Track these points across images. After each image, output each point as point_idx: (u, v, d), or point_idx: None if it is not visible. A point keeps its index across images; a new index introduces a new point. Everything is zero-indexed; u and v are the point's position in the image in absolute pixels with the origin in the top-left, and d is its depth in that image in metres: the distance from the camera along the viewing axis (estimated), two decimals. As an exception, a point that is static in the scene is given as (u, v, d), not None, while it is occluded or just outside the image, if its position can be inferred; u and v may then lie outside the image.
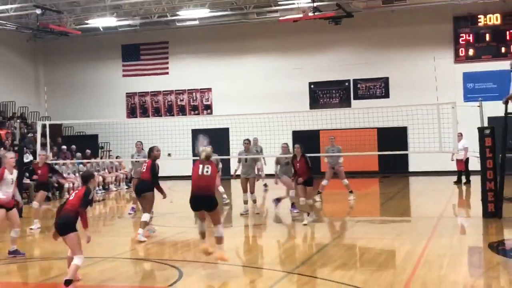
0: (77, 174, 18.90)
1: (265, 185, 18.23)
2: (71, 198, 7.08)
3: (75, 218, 6.94)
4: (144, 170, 10.29)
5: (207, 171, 7.62)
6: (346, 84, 23.72)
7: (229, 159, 23.34)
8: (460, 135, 16.52)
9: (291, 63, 24.09)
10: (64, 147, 21.17)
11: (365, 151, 19.44)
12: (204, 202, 7.57)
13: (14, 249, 8.88)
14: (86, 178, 7.24)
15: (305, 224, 11.02)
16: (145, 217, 10.01)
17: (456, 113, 12.55)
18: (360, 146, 19.94)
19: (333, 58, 23.67)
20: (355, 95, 23.58)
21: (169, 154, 19.69)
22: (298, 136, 21.87)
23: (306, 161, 11.28)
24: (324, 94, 23.92)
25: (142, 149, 14.13)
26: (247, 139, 13.53)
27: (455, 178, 18.53)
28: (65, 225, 6.91)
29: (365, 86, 23.55)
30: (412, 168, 22.93)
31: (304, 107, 23.35)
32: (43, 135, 16.25)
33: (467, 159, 18.02)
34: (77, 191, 7.16)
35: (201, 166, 7.69)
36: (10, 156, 8.78)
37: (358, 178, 20.27)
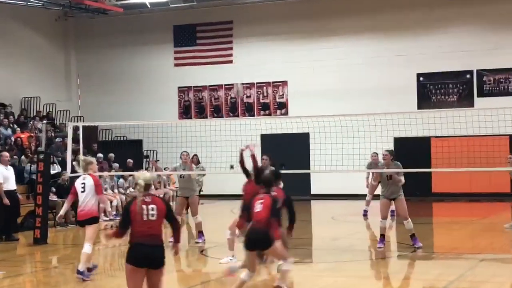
0: (115, 191, 19.44)
1: None
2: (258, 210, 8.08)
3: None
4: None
5: (152, 214, 6.94)
6: (468, 76, 23.25)
7: (309, 174, 23.39)
8: None
9: (393, 48, 23.84)
10: (100, 155, 21.80)
11: (493, 166, 18.92)
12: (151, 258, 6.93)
13: None
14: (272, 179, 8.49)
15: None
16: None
17: None
18: (487, 160, 19.42)
19: (449, 41, 23.26)
20: (479, 91, 23.07)
21: (231, 167, 19.94)
22: (403, 145, 21.60)
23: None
24: (437, 89, 23.56)
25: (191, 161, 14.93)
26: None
27: None
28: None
29: (493, 80, 23.03)
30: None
31: (411, 106, 23.04)
32: (75, 139, 16.82)
33: None
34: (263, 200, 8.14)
35: (144, 207, 6.94)
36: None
37: (483, 202, 19.76)
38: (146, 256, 6.82)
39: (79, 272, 10.01)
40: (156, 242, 6.90)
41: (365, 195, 18.12)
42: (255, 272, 8.38)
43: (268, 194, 8.36)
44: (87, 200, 10.07)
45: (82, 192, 10.11)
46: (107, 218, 18.47)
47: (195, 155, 17.86)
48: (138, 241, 6.86)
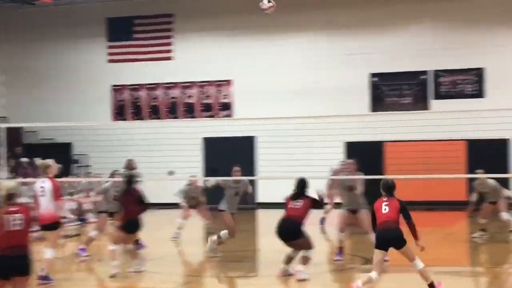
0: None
1: None
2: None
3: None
4: None
5: (16, 224, 7.41)
6: (423, 77, 23.69)
7: (255, 181, 23.55)
8: None
9: (345, 47, 24.16)
10: (24, 159, 21.53)
11: (449, 173, 19.40)
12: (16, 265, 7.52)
13: None
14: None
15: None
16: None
17: None
18: (442, 166, 19.90)
19: (404, 39, 23.69)
20: (436, 92, 23.53)
21: (170, 173, 19.93)
22: (354, 150, 21.94)
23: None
24: (391, 90, 23.91)
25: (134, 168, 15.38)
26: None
27: None
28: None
29: (450, 81, 23.49)
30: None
31: (363, 108, 23.37)
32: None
33: None
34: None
35: (8, 217, 7.40)
36: None
37: (439, 211, 20.17)
38: (10, 268, 7.33)
39: (42, 278, 10.42)
40: (20, 252, 7.38)
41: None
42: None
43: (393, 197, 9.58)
44: (47, 204, 10.40)
45: (42, 196, 10.46)
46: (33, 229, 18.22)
47: (130, 159, 17.79)
48: (2, 253, 7.30)
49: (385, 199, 9.57)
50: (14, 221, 7.34)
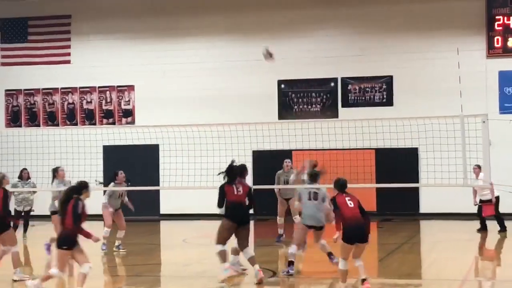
0: None
1: None
2: None
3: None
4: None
5: None
6: (332, 84, 24.04)
7: (158, 191, 23.34)
8: (477, 168, 17.33)
9: (252, 52, 24.16)
10: None
11: (357, 183, 19.66)
12: None
13: None
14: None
15: None
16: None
17: (488, 130, 12.87)
18: (351, 175, 20.16)
19: (313, 46, 23.97)
20: (344, 100, 23.90)
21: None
22: (262, 158, 22.01)
23: None
24: (300, 98, 24.16)
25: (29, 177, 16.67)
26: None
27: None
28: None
29: (358, 88, 23.90)
30: (424, 208, 23.32)
31: (271, 116, 23.50)
32: None
33: (497, 198, 18.59)
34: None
35: None
36: None
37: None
38: None
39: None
40: None
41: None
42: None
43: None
44: None
45: None
46: None
47: (25, 169, 17.36)
48: None
49: (344, 194, 10.67)
50: None
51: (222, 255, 11.81)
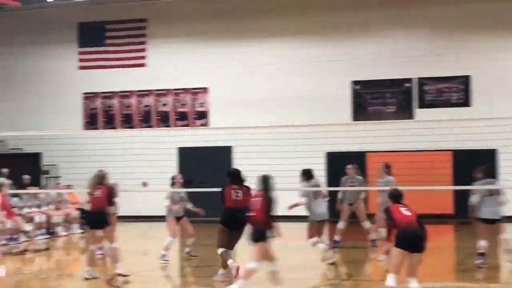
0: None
1: None
2: None
3: None
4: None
5: None
6: (407, 85, 23.76)
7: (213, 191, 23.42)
8: None
9: (326, 53, 24.17)
10: (-8, 170, 21.33)
11: (434, 185, 19.41)
12: None
13: None
14: None
15: None
16: None
17: None
18: (427, 177, 19.92)
19: (388, 46, 23.75)
20: (420, 101, 23.59)
21: (144, 184, 19.80)
22: (335, 160, 21.89)
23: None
24: (374, 99, 23.95)
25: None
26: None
27: None
28: None
29: (435, 89, 23.58)
30: (508, 211, 22.74)
31: (344, 117, 23.34)
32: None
33: None
34: None
35: None
36: None
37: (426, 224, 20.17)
38: None
39: None
40: None
41: (295, 217, 18.13)
42: None
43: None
44: None
45: None
46: (-1, 243, 18.08)
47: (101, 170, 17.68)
48: None
49: (399, 205, 10.00)
50: None
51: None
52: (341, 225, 16.55)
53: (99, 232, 12.58)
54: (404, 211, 9.82)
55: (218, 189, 13.05)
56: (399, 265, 9.52)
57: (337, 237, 16.48)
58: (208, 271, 13.21)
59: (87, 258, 12.61)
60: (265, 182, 11.08)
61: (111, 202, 12.77)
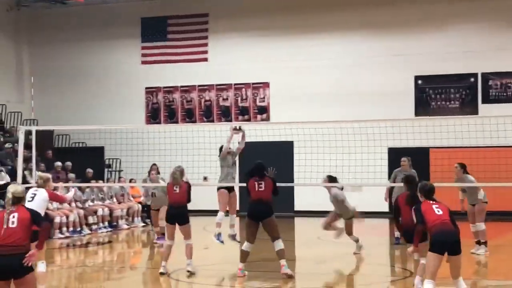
0: (73, 204, 19.35)
1: None
2: None
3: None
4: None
5: (12, 221, 7.89)
6: (472, 79, 23.42)
7: (292, 187, 23.43)
8: None
9: (388, 48, 23.96)
10: (58, 163, 21.70)
11: (499, 181, 19.02)
12: None
13: None
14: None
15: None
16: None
17: None
18: (491, 174, 19.55)
19: (451, 40, 23.43)
20: (484, 96, 23.24)
21: (205, 178, 19.89)
22: (398, 156, 21.65)
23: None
24: (437, 94, 23.69)
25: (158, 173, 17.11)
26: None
27: None
28: None
29: (500, 84, 23.21)
30: None
31: (407, 113, 23.17)
32: (27, 146, 16.71)
33: None
34: None
35: (6, 216, 7.97)
36: None
37: (489, 221, 19.86)
38: (2, 267, 7.52)
39: None
40: (13, 250, 7.56)
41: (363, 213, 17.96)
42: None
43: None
44: None
45: (29, 201, 10.26)
46: (62, 236, 18.36)
47: (154, 164, 17.86)
48: None
49: (431, 201, 9.23)
50: (10, 219, 7.76)
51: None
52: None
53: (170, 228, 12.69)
54: (437, 209, 9.07)
55: (281, 184, 13.09)
56: (436, 270, 8.86)
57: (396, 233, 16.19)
58: (268, 266, 13.22)
59: (164, 253, 12.68)
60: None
61: (189, 198, 12.85)
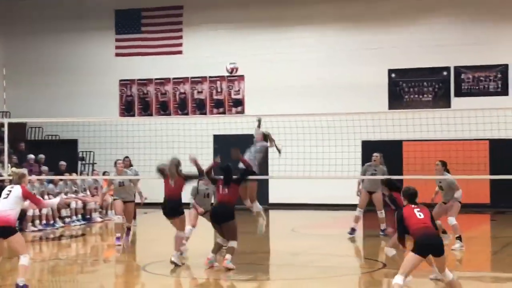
0: (46, 197, 19.23)
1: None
2: None
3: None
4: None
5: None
6: (445, 73, 23.57)
7: (267, 180, 23.48)
8: None
9: (362, 41, 24.05)
10: (31, 156, 21.56)
11: (470, 174, 19.23)
12: None
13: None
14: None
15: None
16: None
17: None
18: (463, 166, 19.73)
19: (425, 34, 23.56)
20: (457, 90, 23.41)
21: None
22: (371, 149, 21.77)
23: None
24: (410, 87, 23.82)
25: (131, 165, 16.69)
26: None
27: None
28: None
29: (472, 77, 23.37)
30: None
31: (381, 105, 23.28)
32: None
33: None
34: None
35: None
36: None
37: (461, 214, 20.08)
38: None
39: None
40: None
41: (329, 205, 18.16)
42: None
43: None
44: (5, 208, 10.11)
45: (4, 198, 10.19)
46: (35, 229, 18.25)
47: (127, 157, 17.75)
48: None
49: (413, 205, 9.34)
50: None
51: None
52: (358, 212, 16.57)
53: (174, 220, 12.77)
54: (418, 213, 9.22)
55: (254, 177, 13.13)
56: (412, 270, 9.08)
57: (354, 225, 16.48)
58: (246, 258, 13.23)
59: (175, 244, 12.72)
60: None
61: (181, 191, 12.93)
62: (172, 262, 12.43)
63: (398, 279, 8.89)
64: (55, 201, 12.07)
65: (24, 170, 11.06)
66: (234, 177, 12.72)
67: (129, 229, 15.73)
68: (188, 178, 13.01)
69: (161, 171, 13.04)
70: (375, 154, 16.84)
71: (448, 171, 14.77)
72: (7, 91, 26.83)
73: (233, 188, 12.59)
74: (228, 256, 12.14)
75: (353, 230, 16.44)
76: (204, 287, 11.70)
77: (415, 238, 9.08)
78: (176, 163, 12.86)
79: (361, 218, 16.91)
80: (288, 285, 11.38)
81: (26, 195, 10.27)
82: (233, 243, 12.27)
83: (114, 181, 15.49)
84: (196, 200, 13.91)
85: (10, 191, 10.30)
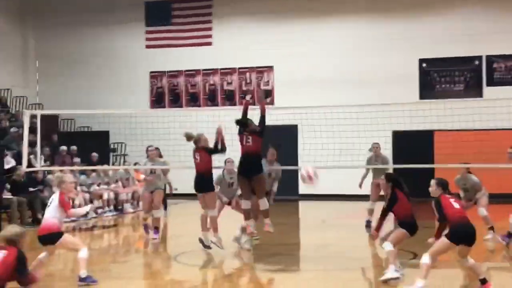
0: (78, 188, 19.43)
1: None
2: None
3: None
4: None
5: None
6: (476, 62, 23.40)
7: (297, 171, 23.45)
8: None
9: (393, 31, 23.92)
10: (63, 148, 21.78)
11: (504, 163, 19.03)
12: None
13: None
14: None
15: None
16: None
17: None
18: (495, 156, 19.54)
19: (456, 23, 23.39)
20: (489, 79, 23.23)
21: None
22: (403, 139, 21.71)
23: None
24: (442, 77, 23.68)
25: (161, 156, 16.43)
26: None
27: None
28: None
29: (504, 67, 23.20)
30: None
31: (412, 96, 23.18)
32: (33, 130, 16.77)
33: None
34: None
35: None
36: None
37: (493, 204, 19.95)
38: None
39: (81, 279, 10.25)
40: None
41: (362, 196, 18.05)
42: None
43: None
44: (47, 216, 10.27)
45: (48, 206, 10.37)
46: (68, 219, 18.43)
47: (157, 148, 17.82)
48: None
49: (448, 195, 9.63)
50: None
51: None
52: (370, 205, 16.43)
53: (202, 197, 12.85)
54: (454, 203, 9.55)
55: (285, 167, 13.14)
56: (441, 254, 9.47)
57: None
58: (271, 249, 13.26)
59: (207, 225, 12.98)
60: None
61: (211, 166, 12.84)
62: (207, 245, 12.79)
63: (426, 258, 9.25)
64: (82, 210, 12.21)
65: (66, 177, 10.94)
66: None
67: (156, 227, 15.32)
68: (209, 150, 12.84)
69: (188, 136, 13.11)
70: (374, 143, 16.82)
71: (471, 173, 14.80)
72: (39, 83, 27.10)
73: (256, 139, 12.47)
74: (267, 221, 12.36)
75: (368, 222, 16.33)
76: (235, 277, 11.75)
77: (452, 226, 9.33)
78: (200, 137, 12.92)
79: (374, 210, 16.72)
80: (318, 276, 11.38)
81: (61, 202, 10.29)
82: (264, 205, 12.33)
83: (146, 170, 15.56)
84: (221, 190, 13.81)
85: (53, 199, 10.42)
